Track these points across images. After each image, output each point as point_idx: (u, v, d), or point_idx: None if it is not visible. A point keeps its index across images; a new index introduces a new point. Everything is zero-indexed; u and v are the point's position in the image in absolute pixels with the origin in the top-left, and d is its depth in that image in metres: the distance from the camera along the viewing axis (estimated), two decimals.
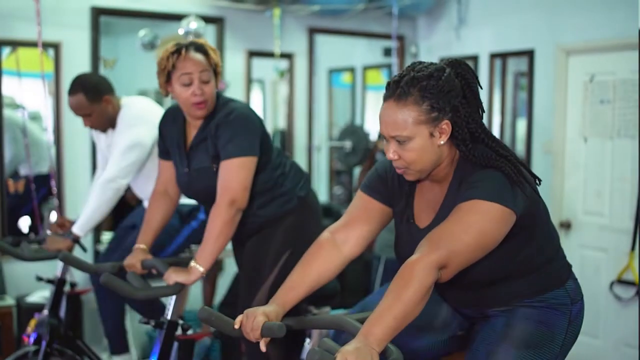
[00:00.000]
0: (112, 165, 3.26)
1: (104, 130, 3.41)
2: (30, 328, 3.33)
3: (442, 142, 1.94)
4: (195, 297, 4.49)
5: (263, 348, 1.98)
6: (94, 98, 3.30)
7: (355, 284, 5.21)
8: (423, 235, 1.91)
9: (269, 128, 6.12)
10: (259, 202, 2.78)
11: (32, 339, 3.26)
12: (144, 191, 3.50)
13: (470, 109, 1.95)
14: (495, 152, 1.95)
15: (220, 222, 2.56)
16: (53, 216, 3.64)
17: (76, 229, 3.22)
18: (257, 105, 6.37)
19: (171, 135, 2.81)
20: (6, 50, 4.41)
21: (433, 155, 1.96)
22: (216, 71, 2.71)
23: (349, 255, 2.19)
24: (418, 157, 1.95)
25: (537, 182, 2.04)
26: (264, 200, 2.79)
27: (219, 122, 2.65)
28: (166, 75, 2.65)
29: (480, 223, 1.85)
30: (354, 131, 5.81)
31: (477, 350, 2.08)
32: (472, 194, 1.89)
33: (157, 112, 3.39)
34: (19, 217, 4.57)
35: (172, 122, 2.82)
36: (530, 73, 4.92)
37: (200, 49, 2.66)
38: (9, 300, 4.06)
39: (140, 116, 3.35)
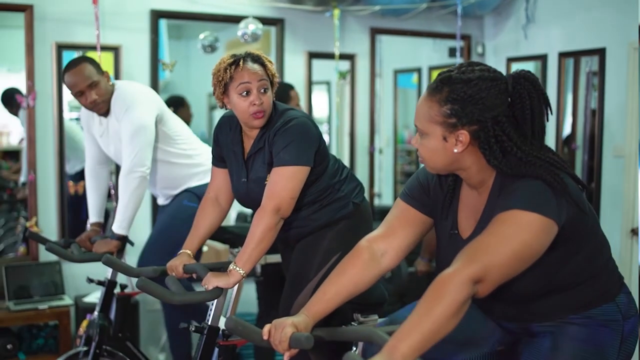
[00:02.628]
0: (125, 157, 3.25)
1: (104, 109, 3.34)
2: (81, 329, 3.37)
3: (456, 151, 1.85)
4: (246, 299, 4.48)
5: (286, 358, 1.92)
6: (98, 69, 3.31)
7: (420, 293, 5.10)
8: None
9: (334, 130, 6.07)
10: (315, 207, 2.74)
11: (82, 340, 3.30)
12: (157, 183, 3.53)
13: (509, 128, 1.83)
14: (534, 164, 1.83)
15: (263, 227, 2.52)
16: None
17: (116, 229, 3.23)
18: (322, 107, 6.33)
19: (227, 143, 2.79)
20: (74, 55, 4.49)
21: (445, 158, 1.88)
22: (273, 82, 2.68)
23: (387, 266, 2.12)
24: (428, 155, 1.91)
25: (583, 189, 1.92)
26: (320, 205, 2.74)
27: (277, 130, 2.62)
28: (223, 86, 2.63)
29: (518, 235, 1.73)
30: None
31: None
32: (511, 203, 1.77)
33: (149, 91, 3.44)
34: (81, 218, 4.67)
35: (228, 131, 2.80)
36: (601, 72, 4.71)
37: (257, 60, 2.64)
38: (67, 300, 4.13)
39: (133, 98, 3.31)
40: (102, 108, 3.33)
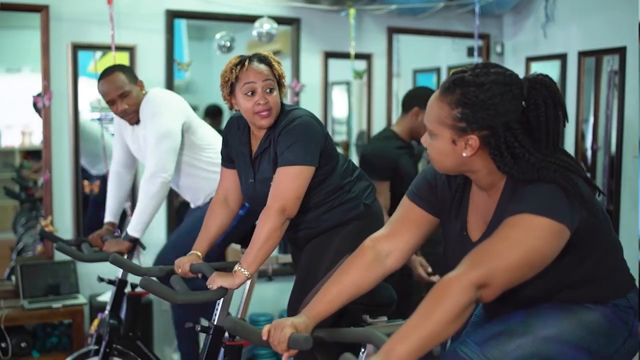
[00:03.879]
0: (149, 161, 3.27)
1: (135, 119, 3.37)
2: (92, 327, 3.39)
3: (465, 155, 1.81)
4: (261, 300, 4.47)
5: (284, 359, 1.91)
6: (131, 78, 3.35)
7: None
8: None
9: (355, 130, 6.04)
10: (325, 207, 2.73)
11: (93, 339, 3.31)
12: (187, 193, 3.53)
13: (521, 135, 1.78)
14: (547, 168, 1.78)
15: (269, 227, 2.51)
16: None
17: (131, 230, 3.24)
18: (341, 107, 6.30)
19: (235, 144, 2.79)
20: (92, 55, 4.52)
21: (454, 161, 1.84)
22: (280, 82, 2.67)
23: (391, 268, 2.09)
24: (437, 157, 1.88)
25: (598, 194, 1.87)
26: (330, 206, 2.73)
27: (281, 129, 2.61)
28: (229, 87, 2.63)
29: (528, 240, 1.69)
30: None
31: (536, 311, 1.89)
32: (522, 207, 1.73)
33: (177, 99, 3.44)
34: (97, 217, 4.69)
35: (236, 131, 2.80)
36: (621, 72, 4.64)
37: (264, 60, 2.63)
38: (82, 299, 4.15)
39: (161, 105, 3.33)
40: (133, 118, 3.37)
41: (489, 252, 1.70)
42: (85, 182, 4.39)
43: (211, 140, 3.48)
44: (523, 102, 1.81)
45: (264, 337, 1.94)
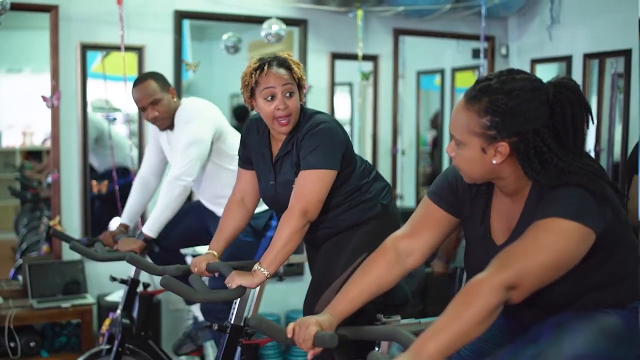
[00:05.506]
0: (175, 164, 3.31)
1: (167, 125, 3.43)
2: (104, 327, 3.39)
3: (495, 162, 1.82)
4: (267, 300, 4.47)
5: (309, 357, 1.92)
6: (163, 86, 3.40)
7: (438, 294, 5.07)
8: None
9: (357, 132, 6.05)
10: (343, 207, 2.74)
11: (105, 338, 3.31)
12: (205, 193, 3.52)
13: (550, 139, 1.80)
14: (576, 173, 1.79)
15: (290, 229, 2.52)
16: (115, 223, 3.70)
17: (146, 230, 3.25)
18: (344, 108, 6.32)
19: (255, 146, 2.80)
20: (98, 55, 4.53)
21: (483, 169, 1.86)
22: (300, 85, 2.67)
23: (411, 266, 2.11)
24: (466, 166, 1.88)
25: (621, 197, 1.89)
26: (348, 206, 2.74)
27: (304, 133, 2.62)
28: (250, 90, 2.64)
29: (557, 243, 1.71)
30: None
31: (554, 321, 1.89)
32: (551, 211, 1.75)
33: (212, 109, 3.49)
34: (105, 216, 4.70)
35: (256, 134, 2.81)
36: (627, 74, 4.65)
37: (284, 63, 2.64)
38: (90, 299, 4.15)
39: (196, 113, 3.39)
40: (163, 124, 3.42)
41: (518, 254, 1.72)
42: (94, 182, 4.39)
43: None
44: (549, 107, 1.82)
45: (289, 335, 1.95)
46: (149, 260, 3.39)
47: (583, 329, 1.86)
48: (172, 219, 3.36)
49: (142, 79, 3.42)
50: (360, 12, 4.85)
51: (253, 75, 2.60)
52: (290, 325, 1.96)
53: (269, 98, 2.59)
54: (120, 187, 4.22)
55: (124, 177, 4.48)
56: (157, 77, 3.43)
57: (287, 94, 2.60)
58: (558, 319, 1.89)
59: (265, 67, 2.60)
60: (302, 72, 2.69)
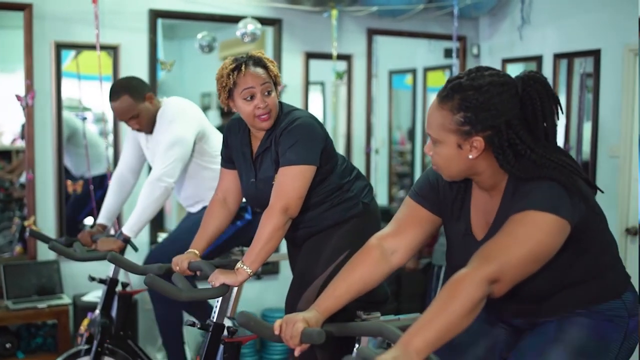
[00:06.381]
0: (157, 165, 3.30)
1: (150, 131, 3.43)
2: (83, 327, 3.38)
3: (471, 157, 1.87)
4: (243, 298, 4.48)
5: (297, 353, 1.94)
6: (138, 97, 3.37)
7: (412, 291, 5.14)
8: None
9: (330, 131, 6.07)
10: (325, 206, 2.76)
11: (84, 338, 3.30)
12: (185, 192, 3.54)
13: (522, 131, 1.85)
14: (547, 166, 1.85)
15: (271, 226, 2.54)
16: (89, 220, 3.68)
17: (126, 230, 3.24)
18: (316, 107, 6.34)
19: (236, 145, 2.82)
20: (70, 54, 4.50)
21: (460, 165, 1.90)
22: (276, 82, 2.70)
23: (396, 264, 2.15)
24: (444, 163, 1.93)
25: (595, 192, 1.94)
26: (329, 205, 2.76)
27: (282, 130, 2.64)
28: (227, 92, 2.65)
29: (534, 235, 1.76)
30: None
31: (526, 349, 1.98)
32: (526, 204, 1.80)
33: (194, 109, 3.49)
34: (79, 217, 4.67)
35: (237, 132, 2.82)
36: (596, 74, 4.75)
37: (259, 62, 2.66)
38: (66, 299, 4.13)
39: (178, 113, 3.39)
40: (148, 130, 3.43)
41: (498, 248, 1.77)
42: (69, 182, 4.36)
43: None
44: (519, 101, 1.87)
45: (276, 332, 1.97)
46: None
47: (553, 350, 1.94)
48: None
49: (117, 94, 3.36)
50: (335, 12, 4.88)
51: (231, 77, 2.61)
52: (278, 322, 1.98)
53: (249, 98, 2.61)
54: (96, 197, 4.18)
55: (101, 187, 4.42)
56: (132, 89, 3.37)
57: (266, 93, 2.63)
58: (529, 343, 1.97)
59: (243, 68, 2.61)
60: (277, 69, 2.71)
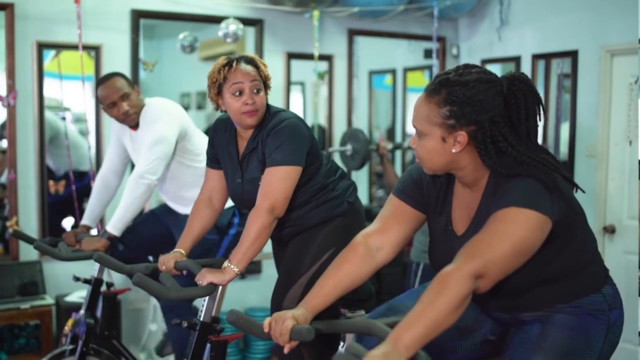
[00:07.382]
0: (140, 162, 3.32)
1: (134, 121, 3.43)
2: (67, 327, 3.36)
3: (454, 151, 1.92)
4: (228, 298, 4.50)
5: (286, 350, 1.97)
6: (130, 83, 3.43)
7: (392, 288, 5.17)
8: (461, 243, 1.88)
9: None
10: (310, 205, 2.79)
11: (68, 339, 3.29)
12: (168, 191, 3.56)
13: (505, 128, 1.90)
14: (528, 163, 1.90)
15: (258, 226, 2.56)
16: (68, 222, 3.68)
17: (110, 228, 3.25)
18: (297, 107, 6.36)
19: (222, 145, 2.84)
20: (50, 53, 4.49)
21: (444, 158, 1.95)
22: (266, 84, 2.73)
23: (382, 261, 2.18)
24: (427, 156, 1.97)
25: (576, 189, 1.99)
26: (315, 204, 2.80)
27: (269, 130, 2.67)
28: (217, 87, 2.68)
29: (516, 231, 1.81)
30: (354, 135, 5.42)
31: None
32: (507, 201, 1.84)
33: (177, 109, 3.51)
34: (61, 217, 4.66)
35: (223, 132, 2.85)
36: (573, 74, 4.82)
37: (251, 62, 2.70)
38: (49, 300, 4.12)
39: (162, 112, 3.42)
40: (133, 120, 3.42)
41: (482, 245, 1.81)
42: (51, 182, 4.35)
43: (204, 148, 3.54)
44: (504, 99, 1.92)
45: (266, 330, 2.00)
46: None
47: (540, 353, 1.99)
48: (132, 232, 3.38)
49: (109, 76, 3.43)
50: (316, 13, 4.91)
51: (222, 72, 2.65)
52: (267, 320, 2.01)
53: (237, 94, 2.64)
54: (77, 189, 4.19)
55: (80, 180, 4.44)
56: (122, 75, 3.46)
57: (255, 90, 2.66)
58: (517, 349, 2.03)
59: (234, 64, 2.65)
60: (268, 72, 2.75)
